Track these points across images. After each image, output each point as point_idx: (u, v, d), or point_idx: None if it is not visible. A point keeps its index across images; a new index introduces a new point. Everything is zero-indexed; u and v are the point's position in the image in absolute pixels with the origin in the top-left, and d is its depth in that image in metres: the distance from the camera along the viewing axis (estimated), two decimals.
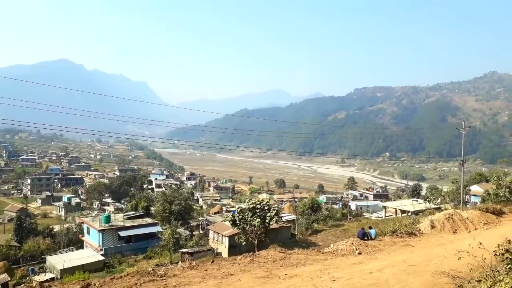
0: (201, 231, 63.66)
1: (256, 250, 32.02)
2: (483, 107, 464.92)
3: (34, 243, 55.32)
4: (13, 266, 45.85)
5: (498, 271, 10.41)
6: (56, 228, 69.36)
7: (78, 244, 59.52)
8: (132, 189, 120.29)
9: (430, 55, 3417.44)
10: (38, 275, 40.50)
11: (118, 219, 58.96)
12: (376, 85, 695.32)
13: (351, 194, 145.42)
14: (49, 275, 40.02)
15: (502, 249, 10.72)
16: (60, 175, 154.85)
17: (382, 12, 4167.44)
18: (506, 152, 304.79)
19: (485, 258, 11.46)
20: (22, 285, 36.91)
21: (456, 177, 71.25)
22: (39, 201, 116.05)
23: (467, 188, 60.45)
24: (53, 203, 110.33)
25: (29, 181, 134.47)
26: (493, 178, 47.52)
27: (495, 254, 11.02)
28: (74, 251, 50.97)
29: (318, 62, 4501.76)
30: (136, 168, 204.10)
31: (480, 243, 11.32)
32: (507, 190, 38.53)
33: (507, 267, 10.40)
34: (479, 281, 10.29)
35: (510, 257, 10.53)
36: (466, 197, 58.19)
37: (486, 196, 43.51)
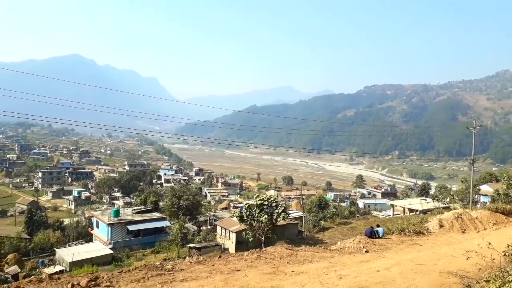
0: (208, 227, 63.97)
1: (263, 246, 32.08)
2: (494, 106, 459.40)
3: (44, 236, 56.07)
4: (23, 258, 46.53)
5: (507, 271, 10.31)
6: (66, 221, 70.15)
7: (87, 237, 60.17)
8: (141, 183, 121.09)
9: (442, 53, 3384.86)
10: (47, 267, 41.06)
11: (127, 213, 59.49)
12: (386, 82, 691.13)
13: (359, 192, 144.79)
14: (58, 268, 40.55)
15: (511, 250, 10.62)
16: (70, 169, 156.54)
17: (393, 8, 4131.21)
18: None
19: (494, 259, 11.35)
20: (32, 276, 37.46)
21: (466, 177, 70.64)
22: (50, 194, 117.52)
23: (477, 187, 59.86)
24: (63, 197, 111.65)
25: (40, 174, 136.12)
26: (504, 178, 47.03)
27: (505, 255, 10.91)
28: (83, 244, 51.57)
29: (327, 59, 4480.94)
30: (145, 163, 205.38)
31: (489, 243, 11.21)
32: None
33: None
34: (488, 281, 10.21)
35: None
36: (476, 196, 57.58)
37: (496, 196, 43.16)
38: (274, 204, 40.54)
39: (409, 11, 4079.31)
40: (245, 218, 40.23)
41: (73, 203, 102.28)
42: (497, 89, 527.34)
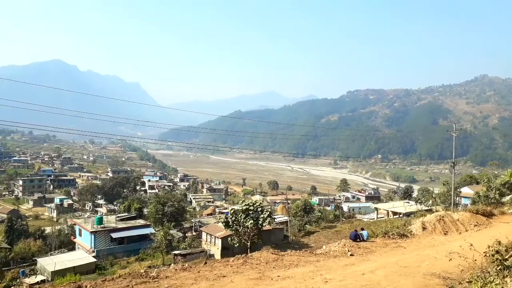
0: (194, 233, 63.50)
1: (249, 252, 31.98)
2: (473, 110, 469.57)
3: (25, 245, 54.77)
4: (3, 268, 45.37)
5: (489, 272, 10.53)
6: (48, 229, 68.76)
7: (69, 246, 59.05)
8: (125, 190, 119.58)
9: (422, 58, 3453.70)
10: (28, 277, 40.10)
11: (111, 221, 58.59)
12: (368, 87, 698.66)
13: (343, 195, 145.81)
14: (39, 277, 39.62)
15: (492, 250, 10.86)
16: (52, 176, 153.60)
17: (374, 16, 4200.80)
18: (496, 154, 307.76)
19: (475, 259, 11.58)
20: (12, 287, 36.51)
21: (447, 179, 71.89)
22: (31, 202, 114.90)
23: (458, 190, 60.95)
24: (45, 205, 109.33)
25: (20, 182, 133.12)
26: (484, 180, 48.09)
27: (486, 255, 11.15)
28: (66, 253, 50.50)
29: (311, 64, 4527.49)
30: (129, 169, 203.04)
31: (471, 245, 11.44)
32: (497, 192, 39.00)
33: (497, 268, 10.53)
34: (470, 282, 10.39)
35: (500, 258, 10.68)
36: (457, 199, 58.63)
37: (477, 198, 43.97)
38: (259, 209, 40.49)
39: (389, 19, 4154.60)
40: (230, 223, 40.07)
41: (55, 211, 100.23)
42: (475, 93, 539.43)
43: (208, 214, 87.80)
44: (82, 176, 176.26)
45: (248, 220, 38.77)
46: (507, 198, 37.49)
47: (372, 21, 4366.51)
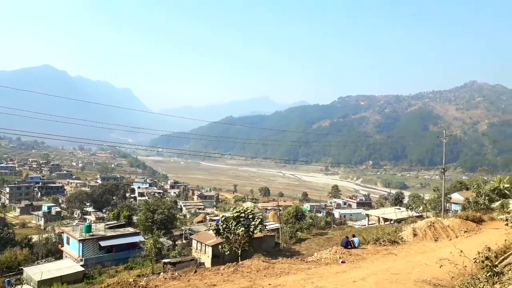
0: (184, 241, 62.87)
1: (239, 260, 31.73)
2: (463, 116, 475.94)
3: (11, 254, 53.63)
4: None
5: (479, 278, 10.51)
6: (35, 238, 67.62)
7: (57, 254, 58.05)
8: (114, 197, 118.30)
9: (413, 64, 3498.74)
10: (14, 287, 39.34)
11: (99, 229, 57.87)
12: (359, 93, 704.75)
13: (334, 202, 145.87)
14: (26, 287, 38.91)
15: (482, 257, 10.85)
16: (40, 183, 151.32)
17: (368, 22, 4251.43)
18: (486, 160, 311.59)
19: (465, 266, 11.57)
20: None
21: (438, 185, 72.48)
22: (18, 210, 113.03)
23: (448, 196, 61.38)
24: (32, 212, 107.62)
25: (7, 189, 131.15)
26: (473, 186, 48.50)
27: (476, 262, 11.14)
28: (53, 262, 49.69)
29: (303, 70, 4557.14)
30: (118, 176, 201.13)
31: (461, 251, 11.43)
32: (487, 198, 39.23)
33: (487, 274, 10.52)
34: None
35: (490, 264, 10.66)
36: (447, 205, 59.04)
37: (467, 204, 44.22)
38: (251, 216, 40.22)
39: (382, 25, 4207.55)
40: (221, 231, 39.72)
41: (43, 219, 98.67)
42: (465, 99, 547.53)
43: (198, 222, 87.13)
44: (71, 183, 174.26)
45: (239, 227, 38.49)
46: (497, 204, 37.72)
47: (365, 27, 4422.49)
